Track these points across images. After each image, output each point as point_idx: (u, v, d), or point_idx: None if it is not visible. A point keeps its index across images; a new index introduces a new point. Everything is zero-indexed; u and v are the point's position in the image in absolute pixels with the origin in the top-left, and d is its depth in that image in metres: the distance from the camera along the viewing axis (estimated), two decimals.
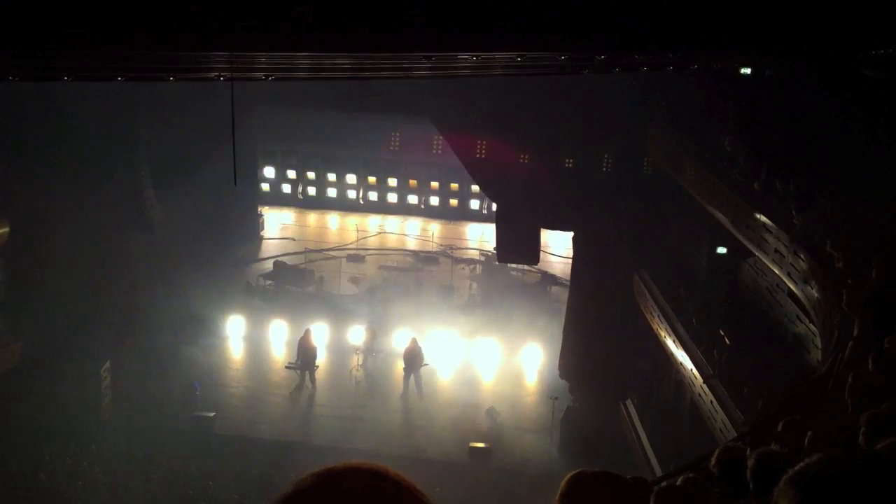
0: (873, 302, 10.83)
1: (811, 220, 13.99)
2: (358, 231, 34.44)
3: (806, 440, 5.95)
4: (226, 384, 24.93)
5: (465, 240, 35.35)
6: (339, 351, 25.85)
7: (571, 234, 25.19)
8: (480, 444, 21.77)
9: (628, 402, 22.42)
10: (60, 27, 5.46)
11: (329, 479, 1.36)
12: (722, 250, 20.87)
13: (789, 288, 15.30)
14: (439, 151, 30.78)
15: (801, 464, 1.46)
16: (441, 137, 27.58)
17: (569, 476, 2.50)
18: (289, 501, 1.34)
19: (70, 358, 20.64)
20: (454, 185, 35.79)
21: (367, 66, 9.87)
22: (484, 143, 24.78)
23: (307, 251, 33.09)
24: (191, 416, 22.40)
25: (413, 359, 24.10)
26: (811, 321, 14.69)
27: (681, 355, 18.68)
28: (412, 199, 36.55)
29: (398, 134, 34.34)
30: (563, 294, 26.49)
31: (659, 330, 20.66)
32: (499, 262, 28.71)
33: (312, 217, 36.94)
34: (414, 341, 24.27)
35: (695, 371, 17.50)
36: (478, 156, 25.33)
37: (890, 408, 6.40)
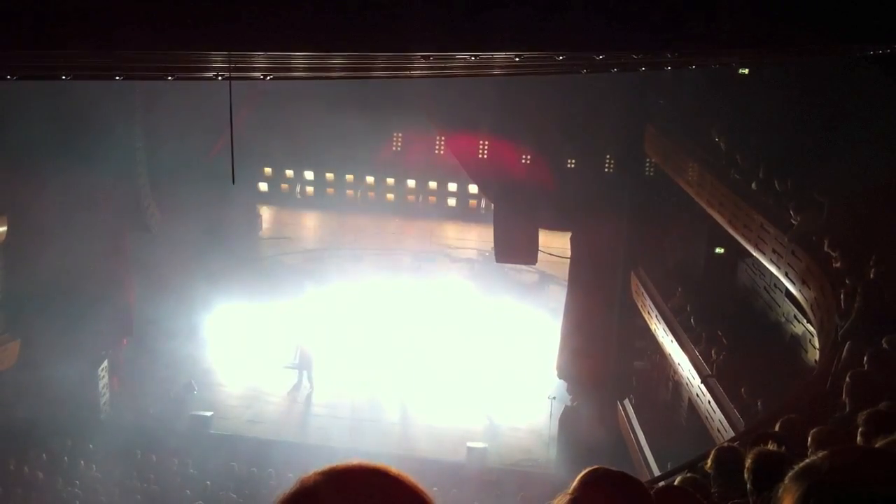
0: (871, 301, 10.85)
1: (809, 219, 14.00)
2: (356, 230, 34.41)
3: (809, 439, 5.96)
4: (223, 384, 24.96)
5: (463, 239, 35.34)
6: (337, 351, 25.88)
7: (569, 233, 25.22)
8: (478, 444, 21.79)
9: (626, 401, 22.44)
10: (57, 25, 5.46)
11: (333, 478, 1.37)
12: (720, 250, 20.89)
13: (787, 287, 15.32)
14: (440, 152, 30.74)
15: (806, 461, 1.47)
16: (440, 138, 27.54)
17: (583, 473, 2.48)
18: (293, 500, 1.35)
19: (67, 357, 20.64)
20: (452, 185, 35.77)
21: (364, 66, 9.86)
22: (482, 143, 24.80)
23: (305, 250, 33.09)
24: (188, 415, 22.42)
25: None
26: (809, 321, 14.71)
27: (678, 355, 18.69)
28: (410, 198, 36.49)
29: (398, 134, 34.24)
30: (560, 294, 26.50)
31: (657, 330, 20.68)
32: (497, 261, 28.71)
33: (310, 216, 36.90)
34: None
35: (692, 371, 17.51)
36: (476, 156, 25.35)
37: (888, 406, 6.41)
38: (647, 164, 23.45)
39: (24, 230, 22.28)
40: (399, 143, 34.59)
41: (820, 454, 1.47)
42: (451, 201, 36.32)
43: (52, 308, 21.34)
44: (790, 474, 1.45)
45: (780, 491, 1.45)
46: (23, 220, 22.31)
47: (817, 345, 13.75)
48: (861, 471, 1.40)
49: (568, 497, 2.42)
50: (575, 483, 2.45)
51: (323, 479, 1.37)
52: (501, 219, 25.46)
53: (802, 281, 13.78)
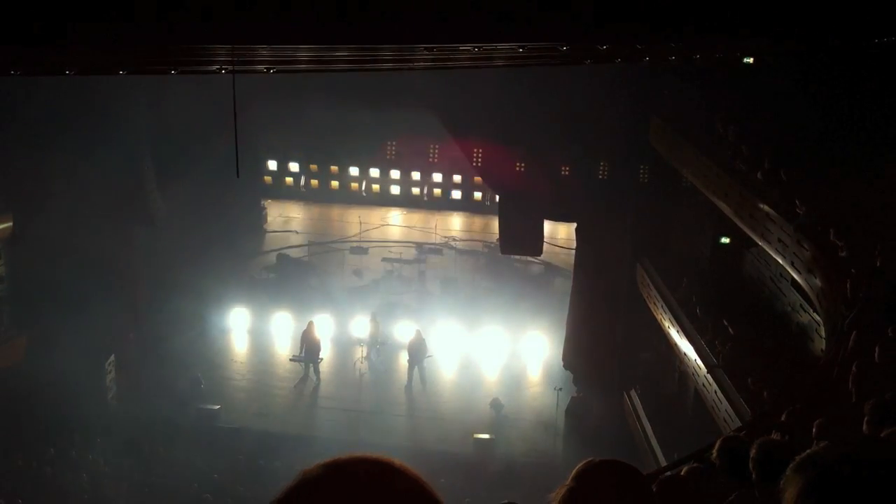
0: (877, 290, 10.82)
1: (814, 208, 13.97)
2: (361, 223, 34.43)
3: (813, 428, 5.96)
4: (230, 377, 24.99)
5: (469, 231, 35.33)
6: (343, 343, 25.90)
7: (575, 225, 25.17)
8: (484, 436, 21.80)
9: (632, 392, 22.44)
10: (61, 20, 5.46)
11: (336, 470, 1.36)
12: (725, 240, 20.85)
13: (793, 277, 15.29)
14: (446, 146, 30.69)
15: (808, 451, 1.46)
16: (445, 131, 27.46)
17: (580, 464, 2.48)
18: (295, 492, 1.35)
19: (74, 352, 20.69)
20: (457, 177, 35.75)
21: (368, 58, 9.85)
22: (487, 136, 24.73)
23: (310, 244, 33.10)
24: (195, 408, 22.46)
25: (417, 351, 24.14)
26: (815, 310, 14.69)
27: (684, 346, 18.68)
28: (415, 190, 36.48)
29: (403, 128, 34.17)
30: (566, 285, 26.46)
31: (662, 320, 20.66)
32: (502, 253, 28.69)
33: (315, 209, 36.92)
34: (418, 333, 24.31)
35: (698, 361, 17.51)
36: (481, 150, 25.32)
37: (893, 396, 6.40)
38: (653, 156, 23.36)
39: (30, 225, 22.33)
40: (404, 137, 34.53)
41: (822, 445, 1.46)
42: (456, 194, 36.35)
43: (58, 303, 21.38)
44: (792, 465, 1.45)
45: (783, 482, 1.45)
46: (29, 216, 22.35)
47: (823, 334, 13.73)
48: (864, 461, 1.39)
49: (566, 488, 2.42)
50: (572, 474, 2.44)
51: (325, 471, 1.36)
52: (506, 211, 25.43)
53: (808, 270, 13.75)
